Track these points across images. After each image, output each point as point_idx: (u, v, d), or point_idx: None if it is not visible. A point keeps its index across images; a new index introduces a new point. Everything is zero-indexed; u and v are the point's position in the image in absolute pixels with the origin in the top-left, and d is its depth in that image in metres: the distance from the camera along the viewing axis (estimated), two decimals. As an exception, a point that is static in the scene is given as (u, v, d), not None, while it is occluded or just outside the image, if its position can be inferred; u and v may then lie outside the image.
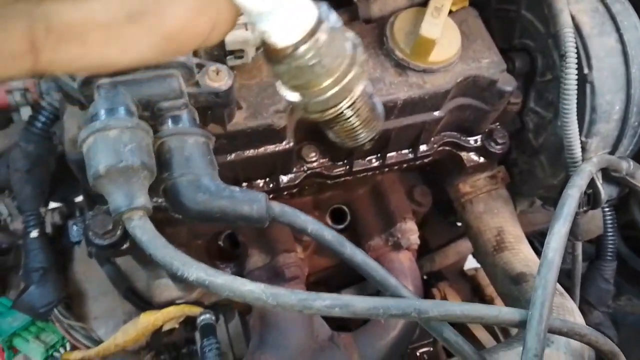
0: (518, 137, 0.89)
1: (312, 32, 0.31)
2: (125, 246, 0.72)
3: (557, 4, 0.69)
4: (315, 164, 0.81)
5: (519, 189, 0.96)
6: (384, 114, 0.44)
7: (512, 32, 0.85)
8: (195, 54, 0.57)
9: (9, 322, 0.82)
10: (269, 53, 0.32)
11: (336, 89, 0.32)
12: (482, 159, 0.88)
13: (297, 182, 0.81)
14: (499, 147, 0.85)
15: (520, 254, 0.83)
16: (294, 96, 0.35)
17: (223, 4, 0.31)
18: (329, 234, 0.53)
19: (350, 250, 0.53)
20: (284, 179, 0.80)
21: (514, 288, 0.80)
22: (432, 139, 0.85)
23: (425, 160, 0.88)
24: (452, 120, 0.83)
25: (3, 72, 0.31)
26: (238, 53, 0.62)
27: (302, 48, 0.31)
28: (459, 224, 1.13)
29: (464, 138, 0.87)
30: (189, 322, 1.03)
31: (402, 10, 0.75)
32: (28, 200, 0.84)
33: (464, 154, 0.88)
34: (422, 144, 0.84)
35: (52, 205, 0.94)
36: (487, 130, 0.86)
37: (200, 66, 0.54)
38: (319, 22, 0.31)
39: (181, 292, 0.99)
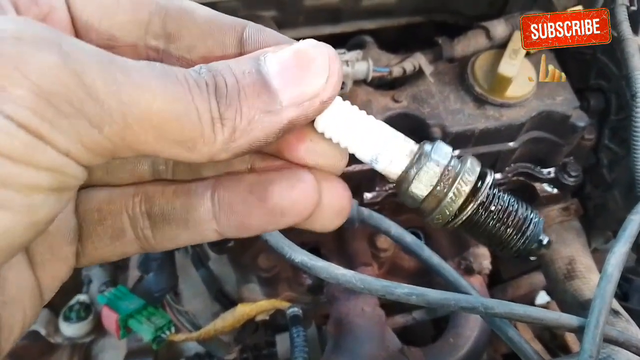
0: (592, 172, 0.94)
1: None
2: (229, 244, 0.85)
3: (628, 49, 0.75)
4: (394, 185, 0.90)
5: (593, 223, 0.99)
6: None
7: (588, 73, 0.91)
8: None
9: (126, 305, 0.95)
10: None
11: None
12: (555, 190, 0.93)
13: (378, 199, 0.90)
14: (572, 179, 0.90)
15: (590, 283, 0.86)
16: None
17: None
18: (409, 238, 0.62)
19: (428, 253, 0.62)
20: (368, 196, 0.89)
21: (582, 314, 0.83)
22: (507, 168, 0.91)
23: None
24: (527, 152, 0.89)
25: None
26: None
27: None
28: (533, 257, 1.17)
29: (537, 169, 0.92)
30: (270, 326, 1.14)
31: (482, 52, 0.84)
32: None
33: (537, 185, 0.93)
34: (497, 172, 0.91)
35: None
36: (561, 163, 0.91)
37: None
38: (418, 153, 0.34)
39: (265, 296, 1.11)
